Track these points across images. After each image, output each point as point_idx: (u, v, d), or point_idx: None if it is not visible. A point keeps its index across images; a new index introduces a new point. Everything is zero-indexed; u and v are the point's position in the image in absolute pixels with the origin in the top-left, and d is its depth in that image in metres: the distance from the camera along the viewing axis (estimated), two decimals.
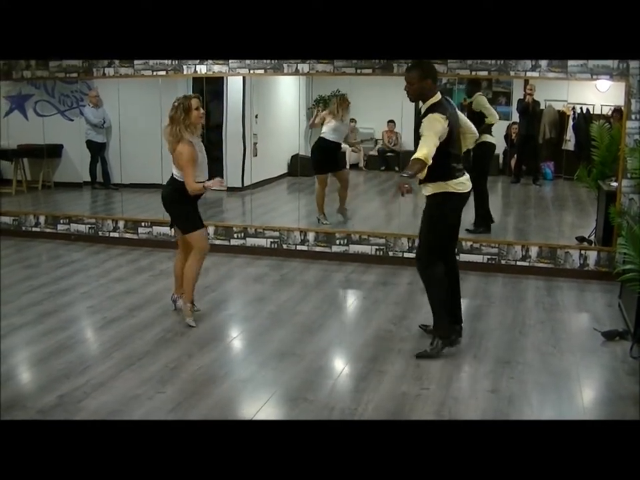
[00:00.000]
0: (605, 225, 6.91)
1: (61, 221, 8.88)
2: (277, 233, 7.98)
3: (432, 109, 4.85)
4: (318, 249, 7.85)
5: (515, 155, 9.02)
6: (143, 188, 9.23)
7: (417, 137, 4.96)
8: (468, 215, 7.74)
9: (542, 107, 8.48)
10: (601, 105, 8.06)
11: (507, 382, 4.53)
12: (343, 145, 9.04)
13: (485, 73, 7.15)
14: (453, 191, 4.93)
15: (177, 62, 8.01)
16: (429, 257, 5.04)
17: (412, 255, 7.43)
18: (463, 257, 7.27)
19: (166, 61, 8.04)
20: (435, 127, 4.79)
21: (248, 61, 7.76)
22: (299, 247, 7.91)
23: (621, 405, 4.25)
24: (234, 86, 9.19)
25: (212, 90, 8.84)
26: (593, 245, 7.25)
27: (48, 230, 8.92)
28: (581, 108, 8.31)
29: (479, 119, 7.76)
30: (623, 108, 6.72)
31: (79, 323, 5.84)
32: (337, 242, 7.79)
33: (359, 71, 7.46)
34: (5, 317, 5.69)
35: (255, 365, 4.89)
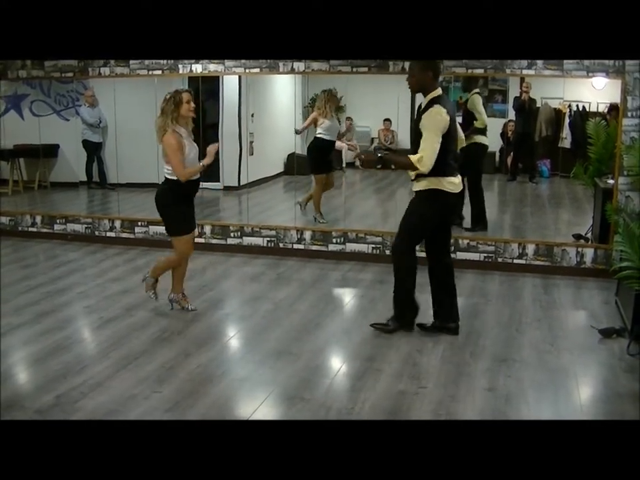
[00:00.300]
0: (601, 222, 6.92)
1: (58, 221, 8.86)
2: (273, 232, 7.98)
3: (433, 102, 4.90)
4: (314, 247, 7.84)
5: (511, 153, 9.04)
6: (139, 187, 9.22)
7: (416, 133, 4.99)
8: (466, 215, 7.77)
9: (538, 104, 8.49)
10: (597, 103, 8.07)
11: (504, 380, 4.53)
12: (339, 144, 9.05)
13: (481, 71, 7.15)
14: (443, 189, 5.01)
15: (172, 61, 8.00)
16: (407, 249, 5.24)
17: None
18: (459, 255, 7.28)
19: (161, 61, 8.03)
20: (438, 123, 4.84)
21: (243, 60, 7.75)
22: (295, 246, 7.91)
23: (618, 402, 4.25)
24: (230, 85, 9.18)
25: (208, 89, 8.84)
26: (589, 242, 7.26)
27: (44, 230, 8.90)
28: (577, 105, 8.32)
29: (472, 118, 7.79)
30: (619, 105, 6.72)
31: (76, 322, 5.83)
32: (334, 240, 7.78)
33: (354, 69, 7.45)
34: (2, 317, 5.68)
35: (251, 364, 4.89)
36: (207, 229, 8.04)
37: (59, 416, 4.02)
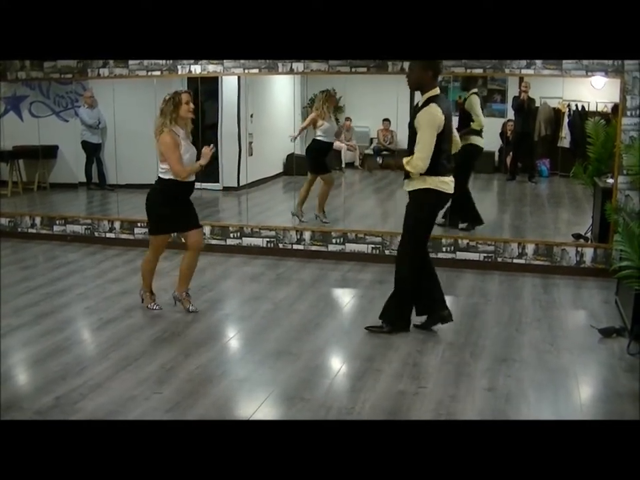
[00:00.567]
0: (601, 221, 6.91)
1: (57, 222, 8.86)
2: (273, 232, 7.98)
3: (430, 101, 4.93)
4: (314, 248, 7.84)
5: (511, 153, 9.04)
6: (138, 188, 9.17)
7: (412, 130, 5.01)
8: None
9: (537, 104, 8.48)
10: (596, 102, 8.07)
11: (504, 380, 4.53)
12: (337, 144, 9.06)
13: (480, 71, 7.15)
14: (436, 188, 5.04)
15: (171, 62, 8.00)
16: (414, 253, 5.25)
17: None
18: (459, 255, 7.29)
19: (160, 61, 8.04)
20: (432, 122, 4.88)
21: (242, 61, 7.75)
22: (295, 246, 7.90)
23: (618, 402, 4.25)
24: (229, 85, 9.18)
25: (207, 90, 8.84)
26: (589, 242, 7.26)
27: (44, 231, 8.90)
28: (576, 105, 8.32)
29: (468, 119, 7.78)
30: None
31: (76, 323, 5.83)
32: (333, 241, 7.78)
33: (353, 69, 7.45)
34: (2, 318, 5.68)
35: (251, 364, 4.89)
36: (207, 229, 8.03)
37: (58, 417, 4.01)
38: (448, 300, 5.46)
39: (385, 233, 7.65)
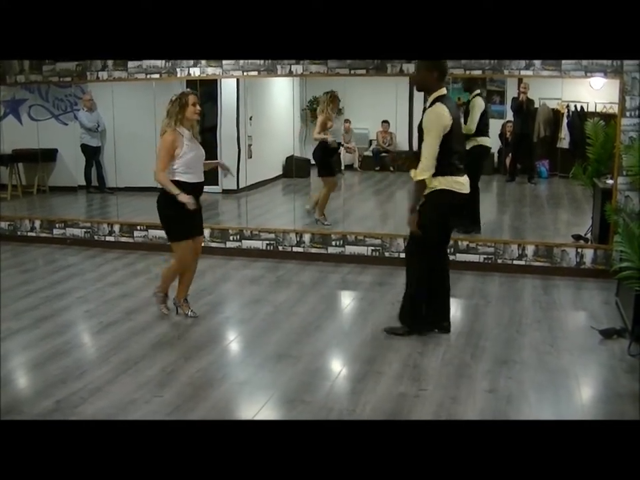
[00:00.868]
0: (601, 222, 6.91)
1: (57, 226, 8.86)
2: (272, 235, 7.97)
3: (436, 101, 4.92)
4: (314, 250, 7.83)
5: (510, 154, 9.04)
6: (138, 191, 9.23)
7: (420, 130, 4.99)
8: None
9: (536, 105, 8.48)
10: (595, 103, 8.06)
11: (505, 381, 4.52)
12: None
13: (479, 72, 7.14)
14: (451, 188, 5.00)
15: (170, 65, 8.00)
16: (423, 253, 5.20)
17: None
18: (459, 257, 7.28)
19: (159, 64, 8.04)
20: (438, 122, 4.87)
21: (241, 63, 7.76)
22: (294, 249, 7.90)
23: (619, 403, 4.24)
24: (228, 88, 9.18)
25: (206, 92, 8.83)
26: (589, 242, 7.25)
27: (43, 234, 8.90)
28: (575, 106, 8.31)
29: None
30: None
31: (76, 327, 5.82)
32: (333, 243, 7.78)
33: (352, 71, 7.45)
34: (2, 322, 5.67)
35: (252, 367, 4.88)
36: (207, 232, 8.02)
37: None
38: None
39: (385, 235, 7.65)
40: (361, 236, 7.72)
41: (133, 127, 8.75)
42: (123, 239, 8.55)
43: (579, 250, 7.07)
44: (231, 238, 8.11)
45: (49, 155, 9.75)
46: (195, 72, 7.95)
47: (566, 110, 8.46)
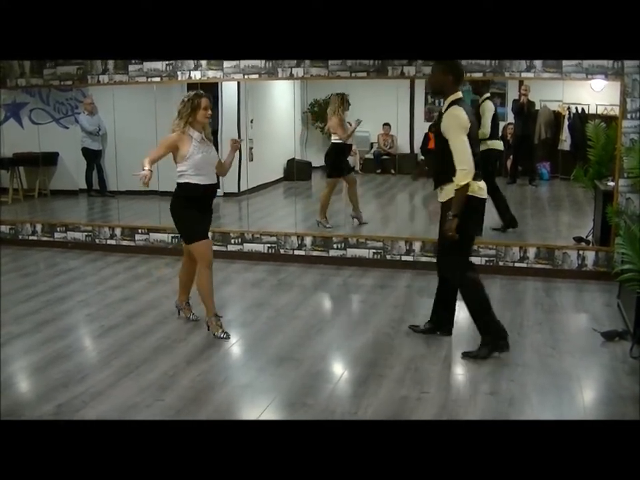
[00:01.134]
0: (602, 224, 6.90)
1: (58, 229, 8.86)
2: (274, 238, 7.97)
3: (452, 104, 4.86)
4: (315, 253, 7.83)
5: (511, 156, 9.02)
6: (139, 195, 9.19)
7: (438, 137, 4.92)
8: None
9: (537, 107, 8.47)
10: (596, 105, 8.06)
11: (506, 384, 4.52)
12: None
13: (479, 74, 7.14)
14: (473, 194, 4.85)
15: (171, 68, 8.00)
16: (459, 262, 5.08)
17: (409, 258, 7.46)
18: None
19: (160, 67, 8.04)
20: (459, 123, 4.78)
21: (242, 66, 7.76)
22: (296, 252, 7.90)
23: (621, 405, 4.24)
24: (228, 91, 9.17)
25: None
26: (590, 245, 7.25)
27: (45, 238, 8.90)
28: (576, 108, 8.31)
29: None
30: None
31: (77, 331, 5.82)
32: (335, 246, 7.77)
33: (353, 74, 7.45)
34: (3, 326, 5.68)
35: (254, 370, 4.87)
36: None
37: None
38: None
39: (386, 237, 7.64)
40: (362, 239, 7.72)
41: (133, 130, 8.75)
42: (124, 243, 8.55)
43: (581, 252, 7.07)
44: (232, 241, 8.11)
45: (50, 159, 9.75)
46: (196, 75, 7.95)
47: (567, 112, 8.46)
